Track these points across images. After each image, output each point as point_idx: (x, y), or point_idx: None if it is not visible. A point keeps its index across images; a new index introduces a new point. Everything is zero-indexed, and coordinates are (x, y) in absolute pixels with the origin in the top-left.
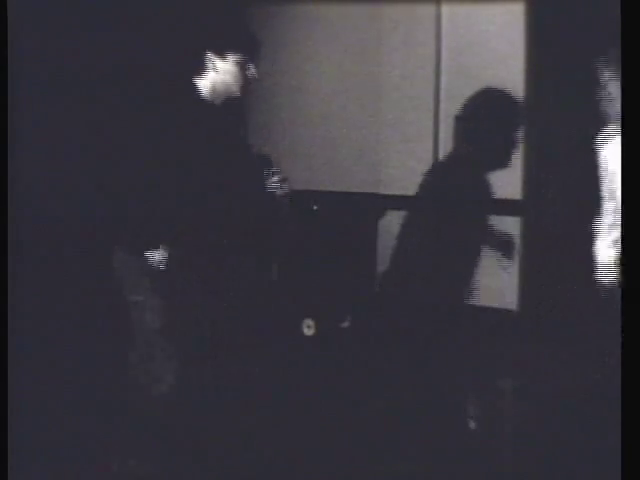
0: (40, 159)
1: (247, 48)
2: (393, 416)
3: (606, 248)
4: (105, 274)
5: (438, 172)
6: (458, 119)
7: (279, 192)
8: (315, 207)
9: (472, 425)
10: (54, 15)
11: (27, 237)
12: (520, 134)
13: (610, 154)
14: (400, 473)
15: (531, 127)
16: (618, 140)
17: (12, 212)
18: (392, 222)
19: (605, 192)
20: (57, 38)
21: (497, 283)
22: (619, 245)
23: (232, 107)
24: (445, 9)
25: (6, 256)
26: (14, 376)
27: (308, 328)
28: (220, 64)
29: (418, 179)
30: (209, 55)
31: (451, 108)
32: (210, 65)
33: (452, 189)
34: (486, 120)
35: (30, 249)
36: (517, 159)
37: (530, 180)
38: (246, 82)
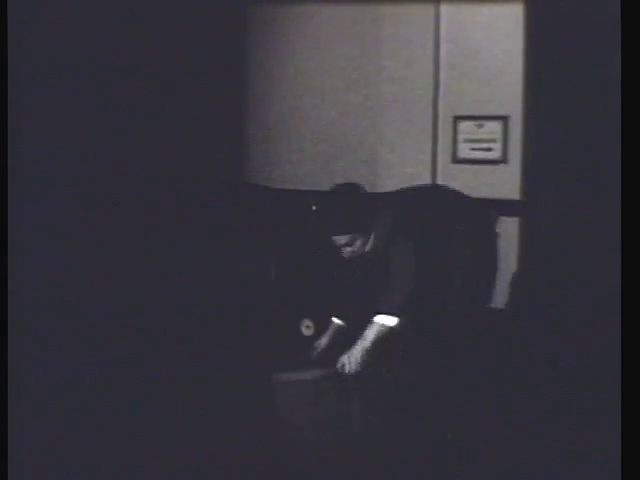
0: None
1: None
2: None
3: None
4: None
5: None
6: None
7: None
8: (315, 207)
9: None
10: (54, 15)
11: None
12: None
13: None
14: (400, 472)
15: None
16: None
17: (12, 212)
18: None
19: None
20: (57, 37)
21: None
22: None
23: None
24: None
25: (6, 256)
26: (14, 376)
27: (307, 328)
28: None
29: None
30: None
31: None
32: None
33: None
34: None
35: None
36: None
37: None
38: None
